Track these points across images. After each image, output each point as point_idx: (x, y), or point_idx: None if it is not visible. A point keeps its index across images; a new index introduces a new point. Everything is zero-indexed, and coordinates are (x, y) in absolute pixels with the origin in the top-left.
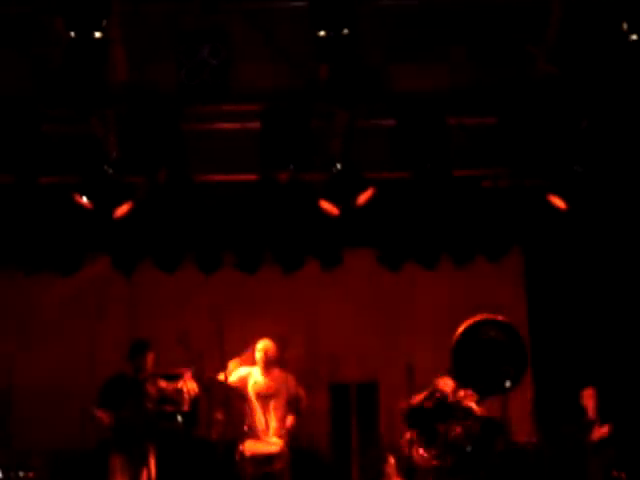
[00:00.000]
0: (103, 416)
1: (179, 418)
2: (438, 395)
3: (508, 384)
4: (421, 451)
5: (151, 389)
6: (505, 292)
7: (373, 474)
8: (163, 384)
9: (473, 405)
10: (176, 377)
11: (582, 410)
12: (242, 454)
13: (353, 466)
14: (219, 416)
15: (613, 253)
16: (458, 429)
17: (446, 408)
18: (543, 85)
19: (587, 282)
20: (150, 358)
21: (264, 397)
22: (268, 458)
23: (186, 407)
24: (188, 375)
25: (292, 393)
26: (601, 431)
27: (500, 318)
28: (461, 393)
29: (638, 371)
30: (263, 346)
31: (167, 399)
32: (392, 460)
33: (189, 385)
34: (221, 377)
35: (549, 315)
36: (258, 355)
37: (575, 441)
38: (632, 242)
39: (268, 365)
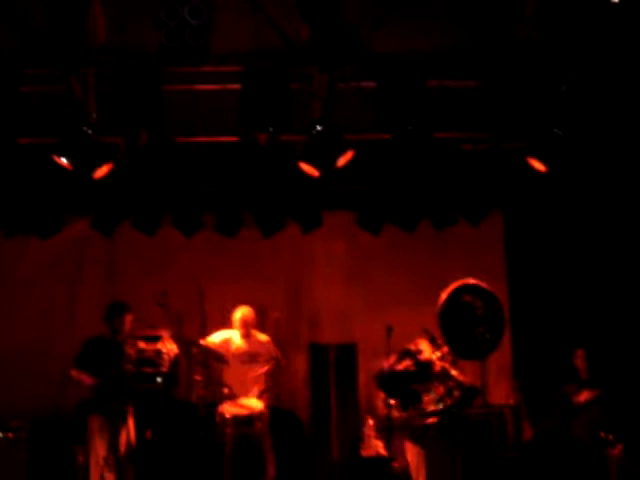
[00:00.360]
0: (82, 377)
1: (158, 379)
2: (418, 357)
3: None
4: (397, 413)
5: (130, 350)
6: (485, 255)
7: (352, 435)
8: (142, 345)
9: (450, 368)
10: (155, 338)
11: (575, 370)
12: (222, 415)
13: (332, 427)
14: (198, 377)
15: (592, 215)
16: (440, 390)
17: (424, 369)
18: (524, 48)
19: (566, 245)
20: (128, 320)
21: (244, 361)
22: (248, 419)
23: (165, 368)
24: (167, 336)
25: (271, 356)
26: (590, 392)
27: (481, 284)
28: (438, 354)
29: (620, 332)
30: (241, 313)
31: (146, 360)
32: (371, 421)
33: (168, 346)
34: (202, 341)
35: (528, 278)
36: (236, 321)
37: (563, 401)
38: (611, 204)
39: (247, 330)
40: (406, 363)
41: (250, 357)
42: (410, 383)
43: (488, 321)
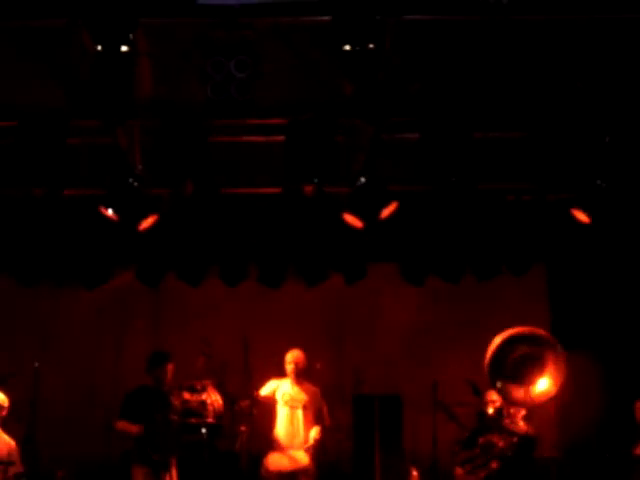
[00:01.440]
0: (127, 428)
1: (203, 430)
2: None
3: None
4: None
5: (175, 401)
6: (528, 308)
7: None
8: (187, 396)
9: (520, 422)
10: (200, 389)
11: (633, 422)
12: (266, 468)
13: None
14: (243, 428)
15: (636, 269)
16: (500, 443)
17: (489, 423)
18: (566, 98)
19: (610, 297)
20: (170, 369)
21: (293, 407)
22: (293, 474)
23: (210, 419)
24: (212, 387)
25: (319, 406)
26: None
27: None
28: (511, 410)
29: None
30: (293, 357)
31: (191, 411)
32: (415, 473)
33: (213, 397)
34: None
35: (573, 331)
36: (289, 366)
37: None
38: None
39: (298, 376)
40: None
41: (299, 404)
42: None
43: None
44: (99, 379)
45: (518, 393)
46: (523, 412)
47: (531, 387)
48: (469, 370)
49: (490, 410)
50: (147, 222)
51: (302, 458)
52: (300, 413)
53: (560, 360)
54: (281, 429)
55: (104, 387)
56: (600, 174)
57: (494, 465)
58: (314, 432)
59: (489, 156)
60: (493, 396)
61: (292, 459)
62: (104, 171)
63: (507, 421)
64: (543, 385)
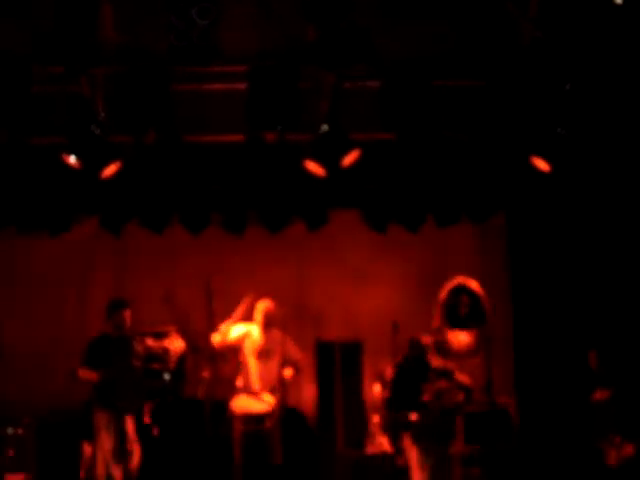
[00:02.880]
0: (87, 374)
1: (166, 376)
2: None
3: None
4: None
5: (138, 347)
6: (488, 254)
7: (357, 431)
8: (150, 342)
9: (449, 364)
10: (163, 335)
11: (589, 371)
12: (232, 412)
13: (338, 424)
14: (206, 374)
15: (596, 215)
16: (452, 398)
17: (425, 368)
18: (528, 48)
19: (570, 245)
20: (127, 315)
21: (261, 355)
22: (258, 416)
23: (173, 365)
24: (175, 333)
25: (288, 353)
26: (603, 393)
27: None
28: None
29: (627, 332)
30: (264, 306)
31: (154, 357)
32: (376, 418)
33: (176, 343)
34: (215, 338)
35: (532, 277)
36: (258, 315)
37: (575, 401)
38: (615, 203)
39: (268, 324)
40: (415, 359)
41: (265, 353)
42: (419, 382)
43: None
44: (63, 328)
45: (462, 339)
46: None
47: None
48: (429, 317)
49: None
50: (110, 170)
51: (268, 400)
52: (268, 361)
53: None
54: (251, 376)
55: (68, 336)
56: (560, 122)
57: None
58: (288, 372)
59: (450, 105)
60: (426, 339)
61: (259, 402)
62: (67, 119)
63: (457, 373)
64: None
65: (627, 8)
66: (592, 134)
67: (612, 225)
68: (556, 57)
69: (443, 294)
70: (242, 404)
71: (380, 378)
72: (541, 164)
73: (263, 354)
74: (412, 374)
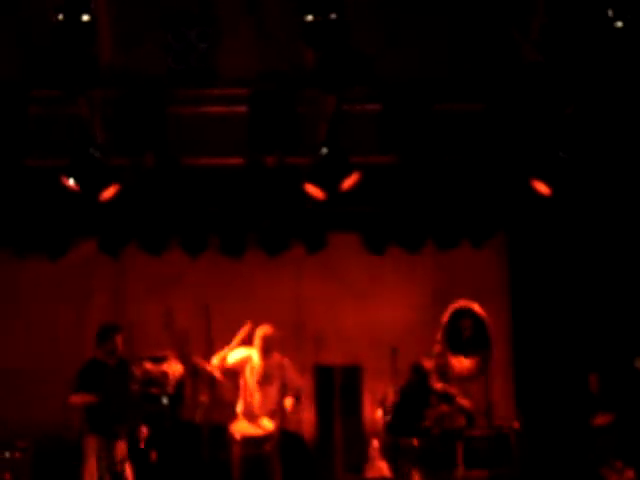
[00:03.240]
0: (81, 398)
1: (164, 400)
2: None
3: None
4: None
5: (137, 371)
6: (488, 277)
7: (356, 456)
8: (148, 366)
9: (451, 389)
10: (161, 359)
11: (590, 395)
12: (231, 436)
13: (337, 448)
14: (204, 398)
15: (597, 238)
16: (454, 421)
17: (428, 392)
18: (529, 72)
19: (570, 267)
20: (120, 340)
21: (261, 380)
22: (258, 440)
23: (171, 389)
24: (173, 357)
25: (288, 378)
26: (604, 417)
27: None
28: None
29: (627, 355)
30: (263, 332)
31: (152, 381)
32: (375, 443)
33: (174, 367)
34: (214, 361)
35: (532, 300)
36: (258, 341)
37: (576, 425)
38: (615, 227)
39: (267, 350)
40: (417, 385)
41: (265, 378)
42: (422, 408)
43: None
44: (61, 350)
45: (464, 364)
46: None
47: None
48: (428, 338)
49: (437, 383)
50: (108, 192)
51: (267, 424)
52: (271, 386)
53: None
54: (251, 401)
55: (66, 358)
56: (561, 146)
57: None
58: (288, 402)
59: (451, 128)
60: (427, 364)
61: (258, 425)
62: (65, 141)
63: (458, 397)
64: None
65: (627, 32)
66: (593, 157)
67: (612, 247)
68: (557, 80)
69: (445, 317)
70: (241, 428)
71: (382, 403)
72: (541, 187)
73: (263, 379)
74: (414, 399)
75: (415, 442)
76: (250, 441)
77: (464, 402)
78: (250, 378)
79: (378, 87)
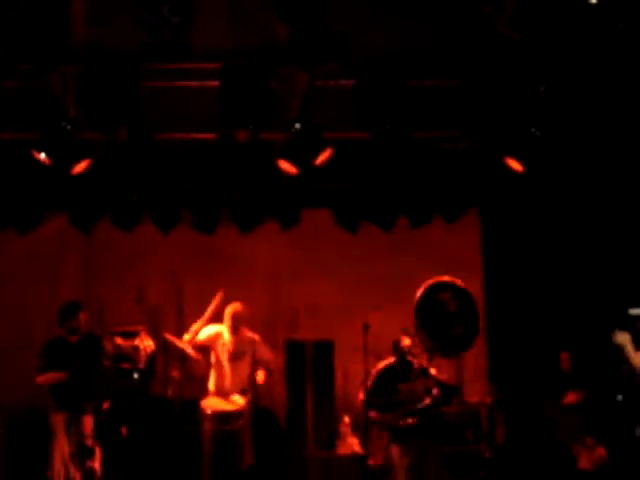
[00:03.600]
0: (51, 377)
1: (135, 375)
2: (406, 357)
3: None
4: (374, 413)
5: (107, 346)
6: (461, 253)
7: (327, 432)
8: (119, 341)
9: (429, 366)
10: (133, 334)
11: (561, 372)
12: (202, 412)
13: (308, 424)
14: (175, 374)
15: (569, 215)
16: (419, 388)
17: (407, 368)
18: (502, 48)
19: (543, 244)
20: (83, 318)
21: (232, 357)
22: (229, 415)
23: (142, 364)
24: (144, 332)
25: (259, 354)
26: (575, 395)
27: (456, 282)
28: (416, 351)
29: (597, 332)
30: (232, 309)
31: (123, 356)
32: (347, 419)
33: (145, 342)
34: (185, 337)
35: (504, 277)
36: (228, 321)
37: (547, 403)
38: (588, 203)
39: (236, 327)
40: (399, 363)
41: (236, 355)
42: (397, 382)
43: (462, 318)
44: (31, 326)
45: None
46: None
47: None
48: (400, 317)
49: (413, 358)
50: (80, 167)
51: (238, 400)
52: (239, 362)
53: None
54: (222, 378)
55: (36, 331)
56: (534, 123)
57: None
58: (260, 376)
59: (424, 104)
60: (406, 341)
61: (229, 402)
62: (37, 115)
63: (433, 370)
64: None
65: (602, 9)
66: (566, 135)
67: (586, 224)
68: (531, 58)
69: (419, 293)
70: (212, 404)
71: (363, 383)
72: (514, 164)
73: (234, 356)
74: (393, 376)
75: (389, 417)
76: (221, 417)
77: (441, 376)
78: (221, 354)
79: (352, 63)
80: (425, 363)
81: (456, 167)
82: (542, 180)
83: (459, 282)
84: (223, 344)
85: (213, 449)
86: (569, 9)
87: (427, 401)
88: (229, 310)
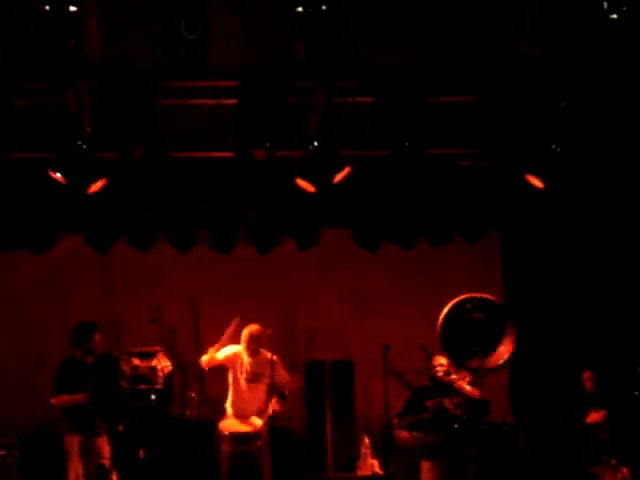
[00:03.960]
0: (69, 399)
1: (152, 396)
2: (435, 374)
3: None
4: (405, 433)
5: (125, 367)
6: (482, 273)
7: (348, 453)
8: (137, 362)
9: (466, 386)
10: (150, 355)
11: (583, 392)
12: (220, 433)
13: (328, 445)
14: (193, 394)
15: (591, 233)
16: (451, 406)
17: (439, 387)
18: (522, 65)
19: (564, 262)
20: (97, 339)
21: (251, 378)
22: (247, 437)
23: (160, 385)
24: (161, 353)
25: (277, 376)
26: (599, 413)
27: (485, 296)
28: (454, 375)
29: (620, 352)
30: (249, 331)
31: (141, 377)
32: (367, 440)
33: (163, 363)
34: (203, 359)
35: (525, 296)
36: (245, 344)
37: (569, 423)
38: (610, 222)
39: (255, 348)
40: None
41: (255, 376)
42: (423, 400)
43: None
44: (46, 347)
45: (471, 360)
46: (468, 378)
47: (484, 355)
48: (421, 337)
49: (439, 373)
50: (96, 186)
51: (256, 421)
52: (260, 384)
53: (512, 329)
54: (239, 400)
55: (52, 352)
56: (555, 139)
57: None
58: (274, 405)
59: (443, 121)
60: (441, 360)
61: (247, 423)
62: (53, 134)
63: (459, 383)
64: (495, 354)
65: (622, 24)
66: (586, 151)
67: (607, 242)
68: (551, 73)
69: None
70: (230, 425)
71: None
72: (535, 181)
73: (252, 377)
74: (424, 394)
75: (415, 434)
76: (238, 438)
77: (468, 390)
78: (240, 376)
79: (370, 79)
80: (455, 380)
81: (476, 185)
82: (563, 198)
83: (487, 295)
84: (241, 365)
85: (231, 471)
86: (589, 24)
87: (458, 414)
88: (246, 332)
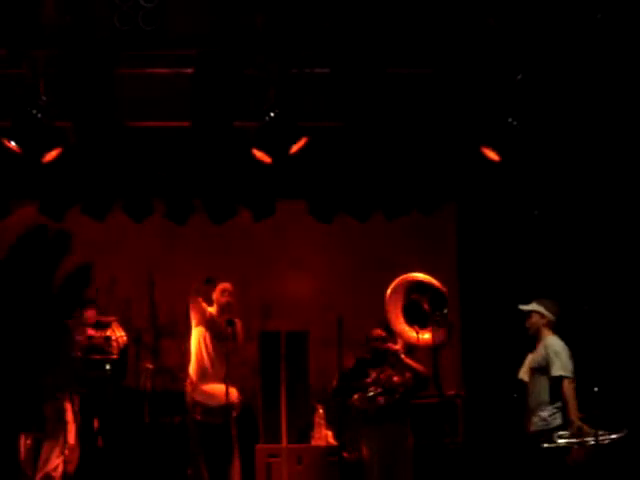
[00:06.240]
0: None
1: (107, 366)
2: (378, 347)
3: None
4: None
5: (79, 337)
6: (437, 246)
7: (302, 424)
8: (91, 332)
9: (404, 356)
10: (105, 325)
11: None
12: (195, 402)
13: (282, 416)
14: (149, 365)
15: (547, 206)
16: (395, 377)
17: (379, 355)
18: (480, 36)
19: (521, 236)
20: None
21: (221, 339)
22: (221, 408)
23: (115, 355)
24: (116, 323)
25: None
26: None
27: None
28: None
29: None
30: (229, 290)
31: (95, 347)
32: (321, 410)
33: (118, 333)
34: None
35: (480, 270)
36: (224, 298)
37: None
38: (566, 194)
39: (229, 303)
40: (369, 352)
41: (228, 335)
42: (368, 367)
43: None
44: None
45: (412, 335)
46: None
47: (423, 332)
48: (375, 308)
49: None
50: (51, 155)
51: (231, 392)
52: (226, 344)
53: (446, 320)
54: (209, 361)
55: None
56: (511, 112)
57: (383, 399)
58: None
59: (400, 93)
60: (379, 331)
61: (222, 393)
62: (8, 102)
63: (403, 356)
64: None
65: None
66: (543, 124)
67: (562, 215)
68: (508, 46)
69: (400, 291)
70: (206, 395)
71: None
72: (491, 154)
73: (225, 337)
74: (366, 364)
75: (356, 402)
76: (217, 410)
77: (411, 362)
78: (210, 337)
79: (327, 51)
80: (399, 351)
81: (433, 157)
82: (519, 170)
83: (433, 281)
84: (214, 324)
85: (204, 441)
86: None
87: (396, 379)
88: (224, 290)
